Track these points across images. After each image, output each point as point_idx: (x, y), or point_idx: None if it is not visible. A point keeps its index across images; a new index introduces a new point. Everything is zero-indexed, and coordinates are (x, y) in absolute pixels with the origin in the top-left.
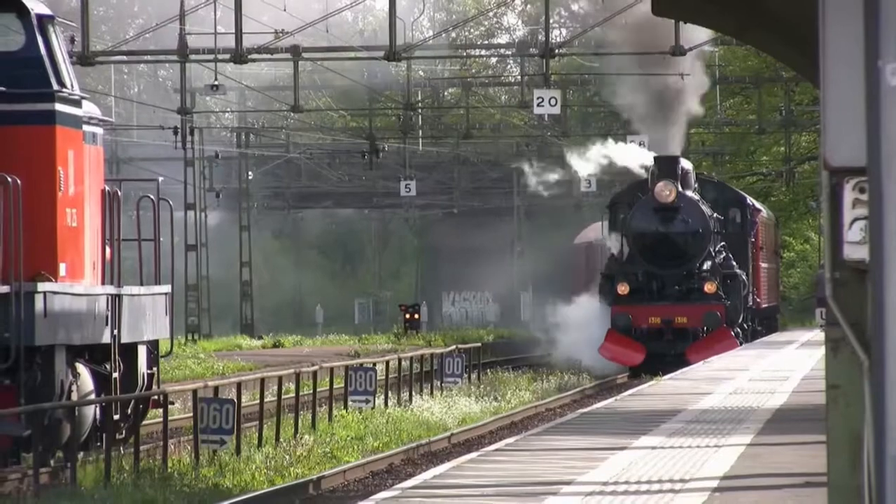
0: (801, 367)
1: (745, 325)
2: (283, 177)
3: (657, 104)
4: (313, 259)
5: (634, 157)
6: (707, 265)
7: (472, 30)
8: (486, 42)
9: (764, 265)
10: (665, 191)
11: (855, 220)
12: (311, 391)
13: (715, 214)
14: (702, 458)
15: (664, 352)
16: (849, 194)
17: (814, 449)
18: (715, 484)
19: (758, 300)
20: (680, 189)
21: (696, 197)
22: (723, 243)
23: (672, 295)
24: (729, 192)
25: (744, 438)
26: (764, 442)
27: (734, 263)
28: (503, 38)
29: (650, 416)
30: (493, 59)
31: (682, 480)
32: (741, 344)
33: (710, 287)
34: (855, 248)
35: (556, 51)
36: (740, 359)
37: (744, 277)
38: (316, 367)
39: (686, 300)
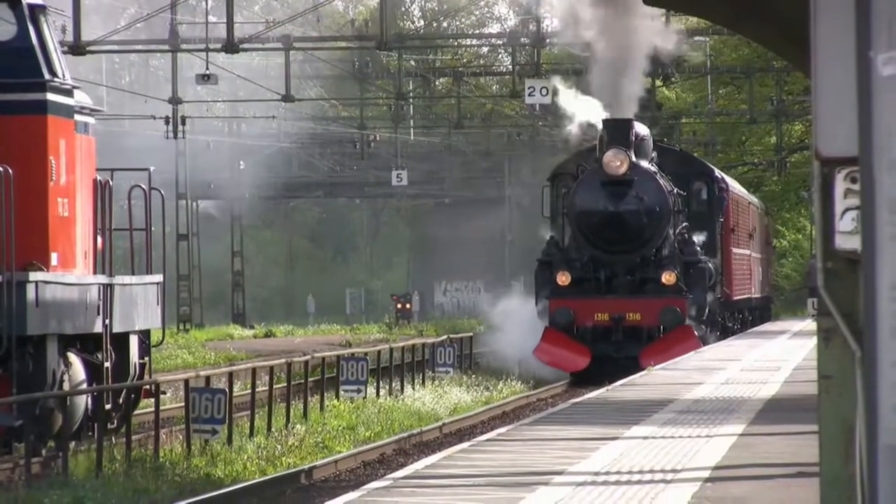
0: (792, 357)
1: (712, 322)
2: (275, 166)
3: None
4: (305, 249)
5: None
6: (665, 251)
7: (463, 19)
8: (478, 32)
9: (738, 251)
10: (615, 161)
11: (846, 210)
12: (303, 381)
13: (676, 190)
14: (693, 448)
15: (613, 355)
16: (840, 184)
17: (806, 439)
18: (707, 474)
19: (727, 291)
20: (634, 159)
21: (654, 169)
22: (685, 224)
23: (623, 286)
24: (693, 163)
25: (736, 428)
26: (756, 432)
27: (699, 249)
28: (494, 28)
29: (642, 406)
30: (485, 49)
31: (673, 470)
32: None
33: (668, 277)
34: (846, 238)
35: (548, 40)
36: (732, 349)
37: (710, 265)
38: (307, 357)
39: (640, 293)
